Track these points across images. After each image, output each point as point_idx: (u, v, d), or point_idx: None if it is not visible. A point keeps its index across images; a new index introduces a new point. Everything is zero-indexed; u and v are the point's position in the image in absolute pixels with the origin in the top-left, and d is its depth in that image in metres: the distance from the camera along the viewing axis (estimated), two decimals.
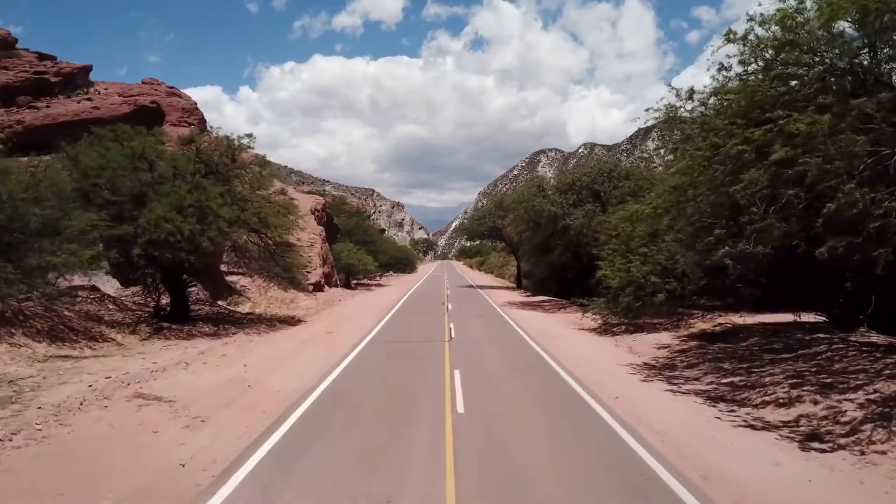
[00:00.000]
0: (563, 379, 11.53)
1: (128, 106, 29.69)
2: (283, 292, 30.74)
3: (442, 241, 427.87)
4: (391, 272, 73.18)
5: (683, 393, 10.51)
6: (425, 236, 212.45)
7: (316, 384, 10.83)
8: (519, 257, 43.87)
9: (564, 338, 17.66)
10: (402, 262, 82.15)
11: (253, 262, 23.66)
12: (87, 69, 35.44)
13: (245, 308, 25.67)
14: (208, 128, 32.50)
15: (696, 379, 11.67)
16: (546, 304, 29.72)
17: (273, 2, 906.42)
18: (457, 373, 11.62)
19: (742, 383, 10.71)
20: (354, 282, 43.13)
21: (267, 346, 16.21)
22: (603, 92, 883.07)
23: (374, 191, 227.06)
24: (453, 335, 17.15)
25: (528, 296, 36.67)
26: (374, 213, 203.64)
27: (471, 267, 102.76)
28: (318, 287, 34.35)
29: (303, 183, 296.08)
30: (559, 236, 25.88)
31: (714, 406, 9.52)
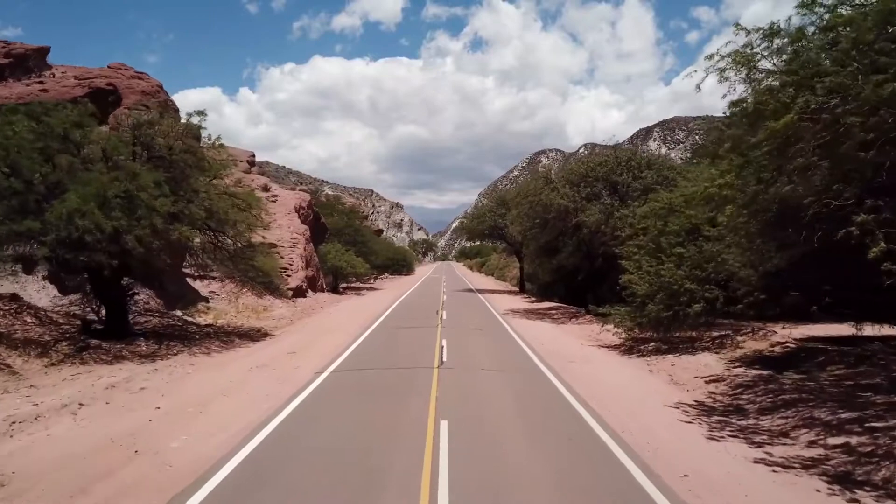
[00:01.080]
0: (597, 437, 7.99)
1: (81, 89, 26.35)
2: (258, 299, 27.24)
3: (442, 242, 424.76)
4: (387, 274, 69.76)
5: (781, 465, 6.99)
6: (424, 237, 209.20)
7: (233, 450, 7.32)
8: (522, 259, 40.37)
9: (585, 360, 14.15)
10: (399, 264, 78.81)
11: (214, 265, 20.32)
12: (44, 51, 31.94)
13: (207, 318, 22.18)
14: (176, 113, 29.12)
15: (786, 435, 8.19)
16: (554, 311, 26.22)
17: (272, 3, 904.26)
18: (443, 427, 8.14)
19: (867, 448, 7.22)
20: (344, 285, 39.64)
21: (206, 373, 12.72)
22: (602, 92, 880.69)
23: (372, 191, 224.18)
24: (445, 359, 13.66)
25: (532, 301, 33.20)
26: (372, 213, 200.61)
27: (470, 269, 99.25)
28: (299, 292, 30.86)
29: (301, 183, 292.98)
30: (570, 235, 22.40)
31: (852, 500, 6.00)
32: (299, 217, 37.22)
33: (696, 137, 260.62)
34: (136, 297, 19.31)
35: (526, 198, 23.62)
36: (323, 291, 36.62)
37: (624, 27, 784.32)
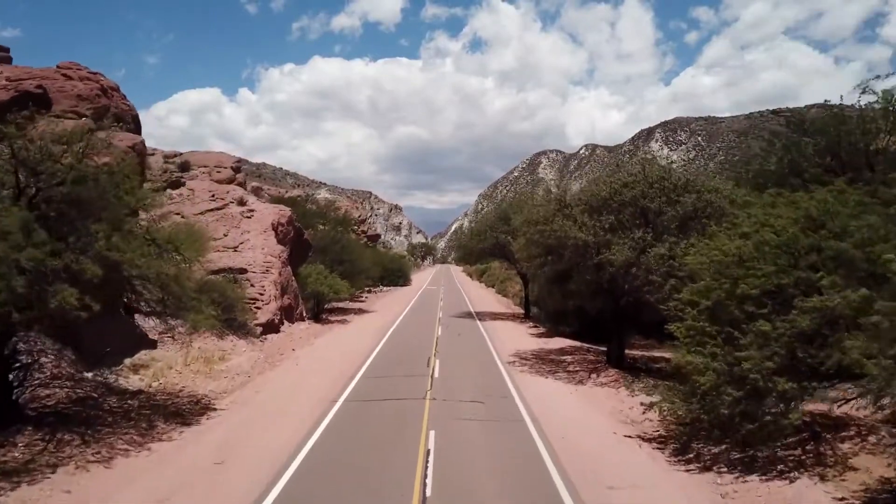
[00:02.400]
0: None
1: (6, 92, 22.27)
2: (218, 340, 23.06)
3: (441, 244, 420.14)
4: (382, 287, 65.64)
5: None
6: (424, 241, 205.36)
7: None
8: (527, 281, 36.15)
9: (632, 484, 9.91)
10: (396, 275, 74.86)
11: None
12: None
13: (145, 376, 17.96)
14: (120, 123, 24.96)
15: None
16: (568, 358, 21.99)
17: (272, 3, 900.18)
18: None
19: None
20: (328, 307, 35.40)
21: None
22: (602, 93, 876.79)
23: (371, 193, 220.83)
24: (429, 479, 9.53)
25: (541, 335, 28.96)
26: (370, 216, 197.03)
27: (470, 276, 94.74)
28: (270, 327, 26.67)
29: (298, 185, 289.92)
30: (591, 271, 18.20)
31: None
32: (277, 236, 33.04)
33: (699, 138, 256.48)
34: (40, 359, 15.15)
35: (535, 225, 19.43)
36: (303, 320, 32.44)
37: (623, 28, 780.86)
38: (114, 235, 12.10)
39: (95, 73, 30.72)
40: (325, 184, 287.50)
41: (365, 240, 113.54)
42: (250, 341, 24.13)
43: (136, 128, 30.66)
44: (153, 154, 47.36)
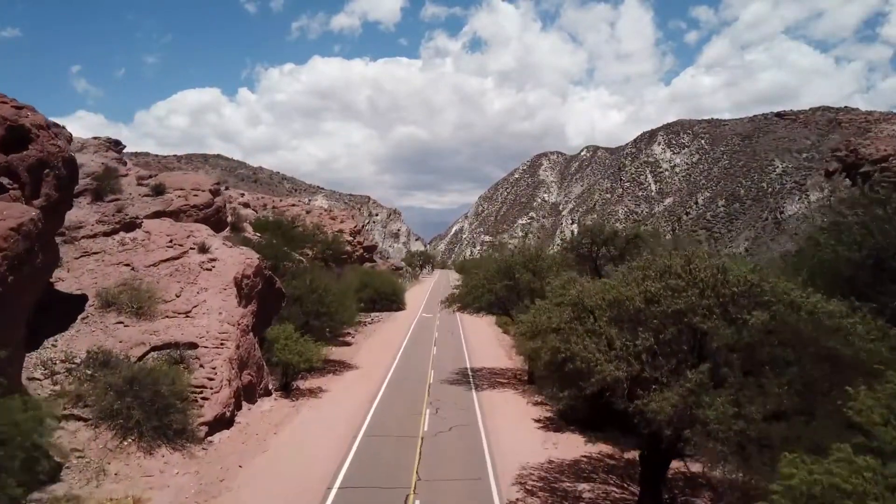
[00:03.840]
0: None
1: None
2: (145, 457, 18.41)
3: (442, 247, 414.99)
4: (372, 317, 60.92)
5: None
6: (423, 248, 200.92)
7: None
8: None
9: None
10: (389, 299, 70.38)
11: None
12: None
13: None
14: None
15: None
16: (587, 488, 17.34)
17: (271, 2, 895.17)
18: None
19: None
20: (300, 374, 30.73)
21: None
22: (602, 93, 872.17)
23: (369, 198, 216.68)
24: None
25: (548, 423, 24.20)
26: (368, 223, 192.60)
27: None
28: (220, 423, 21.97)
29: (295, 190, 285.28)
30: (621, 409, 13.54)
31: None
32: (240, 293, 28.37)
33: (702, 141, 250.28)
34: None
35: (544, 337, 14.81)
36: (269, 394, 27.77)
37: (623, 27, 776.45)
38: None
39: (21, 108, 26.05)
40: (322, 188, 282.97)
41: (361, 251, 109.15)
42: (188, 453, 19.49)
43: (71, 174, 25.87)
44: (126, 175, 42.81)
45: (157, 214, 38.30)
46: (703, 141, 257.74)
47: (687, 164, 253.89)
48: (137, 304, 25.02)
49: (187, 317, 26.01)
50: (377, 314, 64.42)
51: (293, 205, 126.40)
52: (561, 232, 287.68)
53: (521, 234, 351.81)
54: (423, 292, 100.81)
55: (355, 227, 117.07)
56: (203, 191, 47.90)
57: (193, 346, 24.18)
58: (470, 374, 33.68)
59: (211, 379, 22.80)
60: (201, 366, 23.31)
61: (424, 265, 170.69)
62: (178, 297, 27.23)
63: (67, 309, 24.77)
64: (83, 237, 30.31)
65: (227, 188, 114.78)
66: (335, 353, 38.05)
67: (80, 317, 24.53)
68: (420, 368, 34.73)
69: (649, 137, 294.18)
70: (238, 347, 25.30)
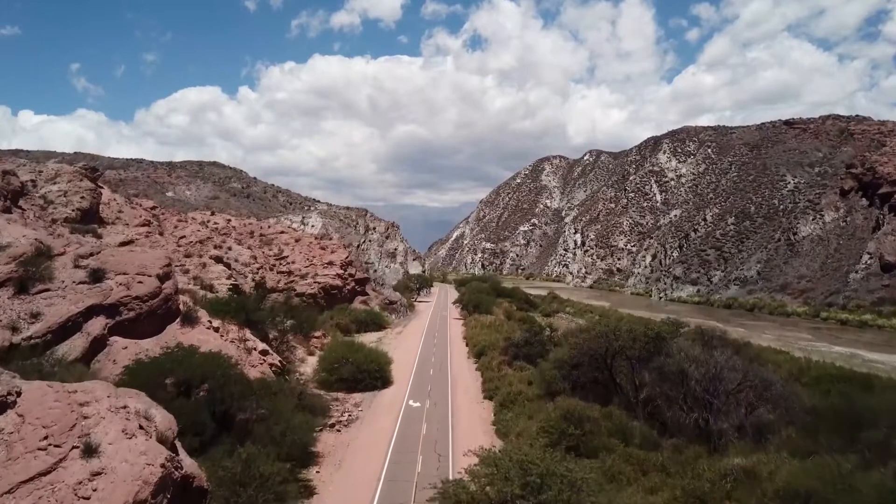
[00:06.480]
0: None
1: None
2: None
3: (442, 252, 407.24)
4: (351, 411, 53.78)
5: None
6: (420, 269, 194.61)
7: None
8: None
9: None
10: (374, 377, 62.83)
11: None
12: None
13: None
14: None
15: None
16: None
17: (271, 0, 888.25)
18: None
19: None
20: None
21: None
22: (603, 91, 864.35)
23: (367, 211, 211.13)
24: None
25: None
26: (363, 242, 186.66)
27: (467, 343, 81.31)
28: None
29: (290, 203, 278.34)
30: None
31: None
32: None
33: (709, 150, 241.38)
34: None
35: None
36: None
37: (624, 25, 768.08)
38: None
39: None
40: (318, 201, 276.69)
41: (353, 285, 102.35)
42: None
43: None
44: (63, 254, 36.07)
45: (89, 311, 31.52)
46: (709, 150, 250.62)
47: (693, 173, 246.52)
48: None
49: None
50: (358, 395, 57.13)
51: (282, 231, 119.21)
52: (564, 241, 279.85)
53: (522, 241, 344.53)
54: (415, 344, 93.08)
55: (347, 257, 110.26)
56: (149, 276, 40.63)
57: None
58: None
59: None
60: None
61: (421, 289, 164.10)
62: None
63: None
64: None
65: (213, 213, 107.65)
66: None
67: None
68: None
69: (654, 145, 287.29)
70: None
